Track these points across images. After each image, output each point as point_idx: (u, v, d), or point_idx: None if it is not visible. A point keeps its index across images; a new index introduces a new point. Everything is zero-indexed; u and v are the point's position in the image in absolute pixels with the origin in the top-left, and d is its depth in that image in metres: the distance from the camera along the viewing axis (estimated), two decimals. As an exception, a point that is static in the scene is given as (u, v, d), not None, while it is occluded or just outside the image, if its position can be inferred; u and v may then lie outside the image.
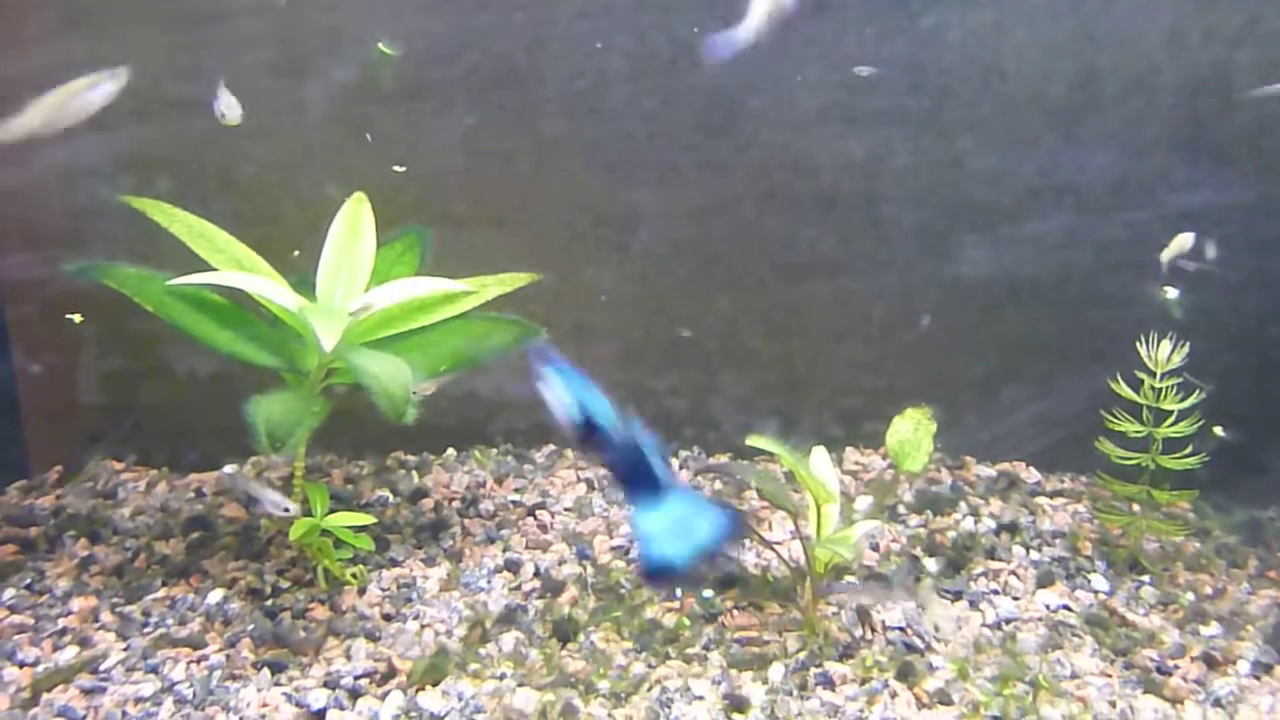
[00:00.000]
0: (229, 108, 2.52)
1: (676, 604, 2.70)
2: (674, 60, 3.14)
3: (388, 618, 2.65)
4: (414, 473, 3.38)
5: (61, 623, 2.60)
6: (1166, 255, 2.87)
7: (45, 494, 3.23)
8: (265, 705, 2.29)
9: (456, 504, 3.21)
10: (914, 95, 3.19)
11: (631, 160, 3.26)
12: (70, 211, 3.18)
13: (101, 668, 2.43)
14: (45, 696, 2.32)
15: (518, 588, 2.79)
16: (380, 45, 2.81)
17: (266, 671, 2.41)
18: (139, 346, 3.30)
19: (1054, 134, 3.20)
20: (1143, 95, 3.16)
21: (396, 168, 3.06)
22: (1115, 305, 3.22)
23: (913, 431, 2.71)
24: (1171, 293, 2.97)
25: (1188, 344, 2.80)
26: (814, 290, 3.39)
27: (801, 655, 2.48)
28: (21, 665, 2.44)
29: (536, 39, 3.15)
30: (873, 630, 2.60)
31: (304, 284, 2.72)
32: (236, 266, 2.67)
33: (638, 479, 1.78)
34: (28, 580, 2.77)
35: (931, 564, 2.92)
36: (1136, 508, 2.96)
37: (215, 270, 2.61)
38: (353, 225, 2.80)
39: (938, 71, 3.18)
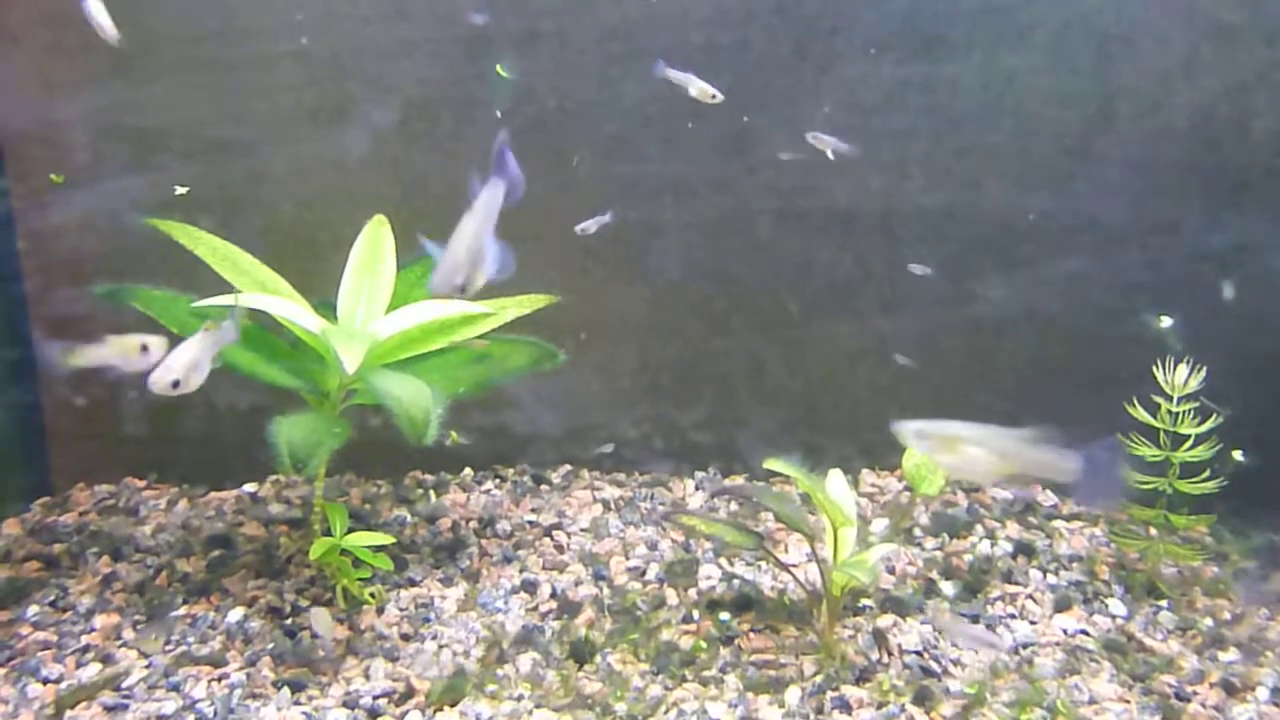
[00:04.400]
0: None
1: (693, 626, 2.71)
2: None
3: (406, 638, 2.66)
4: (432, 492, 3.41)
5: (84, 639, 2.63)
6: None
7: (68, 510, 3.28)
8: (285, 724, 2.31)
9: (474, 524, 3.23)
10: (928, 118, 3.22)
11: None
12: (114, 248, 3.26)
13: (124, 685, 2.46)
14: (69, 713, 2.35)
15: (535, 609, 2.80)
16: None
17: (286, 690, 2.43)
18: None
19: (1071, 166, 3.22)
20: (1159, 125, 3.18)
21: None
22: (1132, 333, 3.22)
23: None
24: (1165, 321, 2.97)
25: (1205, 369, 2.81)
26: (833, 315, 3.42)
27: (818, 679, 2.48)
28: (45, 682, 2.47)
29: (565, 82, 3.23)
30: (890, 654, 2.60)
31: (325, 306, 2.76)
32: (259, 289, 2.71)
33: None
34: (51, 597, 2.80)
35: (948, 587, 2.91)
36: (1154, 532, 2.95)
37: (239, 292, 2.65)
38: (373, 248, 2.83)
39: (951, 99, 3.20)
